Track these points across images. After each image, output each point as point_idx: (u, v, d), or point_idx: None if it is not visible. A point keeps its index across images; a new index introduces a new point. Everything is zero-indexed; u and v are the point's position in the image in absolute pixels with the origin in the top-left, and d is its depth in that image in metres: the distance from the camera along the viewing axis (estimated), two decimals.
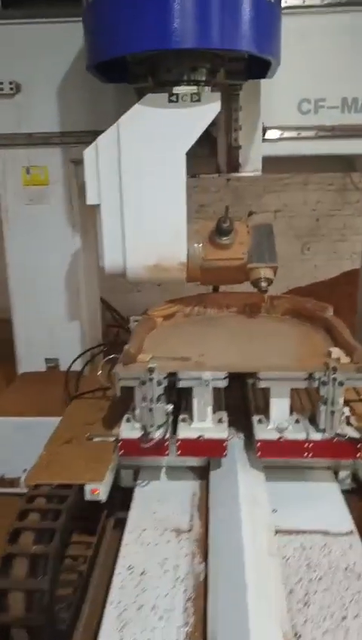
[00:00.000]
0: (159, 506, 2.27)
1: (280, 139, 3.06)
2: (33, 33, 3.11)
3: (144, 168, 2.52)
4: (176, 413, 2.39)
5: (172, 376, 2.20)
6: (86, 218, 3.40)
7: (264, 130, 3.02)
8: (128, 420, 2.32)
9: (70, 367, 3.32)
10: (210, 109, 2.47)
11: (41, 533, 1.89)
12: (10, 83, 3.16)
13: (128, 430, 2.27)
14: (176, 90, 2.44)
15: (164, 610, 1.76)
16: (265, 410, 2.33)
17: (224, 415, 2.35)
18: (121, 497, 2.42)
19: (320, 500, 2.29)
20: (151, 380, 2.15)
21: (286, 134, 3.05)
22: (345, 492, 2.38)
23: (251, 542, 1.94)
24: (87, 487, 2.12)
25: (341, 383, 2.15)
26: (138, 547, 2.05)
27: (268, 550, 1.96)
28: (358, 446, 2.20)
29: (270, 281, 2.67)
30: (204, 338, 2.63)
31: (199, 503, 2.30)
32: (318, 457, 2.25)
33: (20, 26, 3.11)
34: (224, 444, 2.23)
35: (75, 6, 2.45)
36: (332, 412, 2.17)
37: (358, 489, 2.45)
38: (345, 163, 3.63)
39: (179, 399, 2.49)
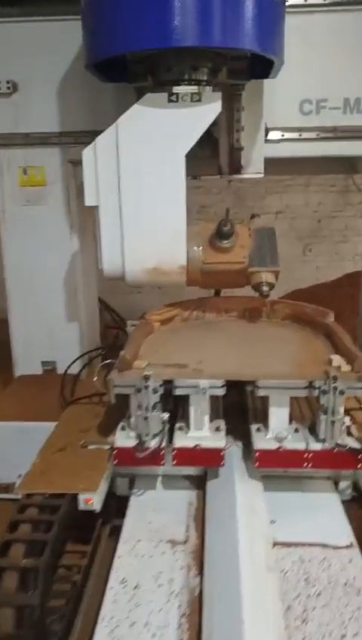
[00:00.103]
0: (154, 515, 2.22)
1: (281, 140, 3.01)
2: (31, 31, 3.06)
3: (143, 169, 2.48)
4: (172, 420, 2.34)
5: (168, 384, 2.15)
6: (84, 219, 3.37)
7: (266, 131, 2.97)
8: (123, 428, 2.26)
9: (66, 371, 3.27)
10: (211, 109, 2.42)
11: (33, 545, 1.84)
12: (7, 82, 3.12)
13: (123, 439, 2.21)
14: (176, 89, 2.39)
15: (158, 626, 1.71)
16: (264, 418, 2.28)
17: (221, 423, 2.30)
18: (117, 505, 2.37)
19: (320, 511, 2.24)
20: (146, 387, 2.10)
21: (288, 135, 3.01)
22: (344, 501, 2.33)
23: (248, 555, 1.89)
24: (81, 497, 2.08)
25: (341, 392, 2.09)
26: (132, 559, 2.00)
27: (266, 563, 1.91)
28: (359, 457, 2.15)
29: (271, 286, 2.62)
30: (202, 343, 2.57)
31: (196, 513, 2.25)
32: (318, 468, 2.20)
33: (18, 24, 3.06)
34: (221, 454, 2.18)
35: (73, 4, 2.42)
36: (333, 422, 2.11)
37: (359, 497, 2.40)
38: (347, 164, 3.57)
39: (176, 406, 2.44)
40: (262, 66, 2.50)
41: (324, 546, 2.06)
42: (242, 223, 2.76)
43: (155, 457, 2.15)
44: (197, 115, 2.41)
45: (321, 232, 5.79)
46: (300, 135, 3.00)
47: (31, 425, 2.98)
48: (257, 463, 2.18)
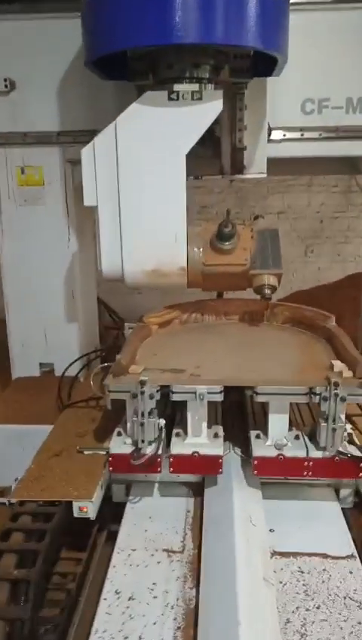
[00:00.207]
0: (151, 523, 2.18)
1: (282, 140, 2.96)
2: (29, 29, 3.02)
3: (143, 169, 2.44)
4: (171, 425, 2.29)
5: (165, 389, 2.10)
6: (83, 219, 3.33)
7: (269, 131, 2.93)
8: (119, 434, 2.22)
9: (64, 373, 3.22)
10: (212, 107, 2.37)
11: (25, 555, 1.80)
12: (5, 80, 3.07)
13: (118, 445, 2.17)
14: (177, 87, 2.35)
15: None
16: (263, 423, 2.23)
17: (220, 429, 2.25)
18: (113, 510, 2.33)
19: (320, 520, 2.20)
20: (142, 393, 2.05)
21: (289, 135, 2.96)
22: (346, 509, 2.29)
23: (245, 565, 1.84)
24: (76, 505, 2.03)
25: (343, 399, 2.04)
26: (127, 569, 1.96)
27: (264, 575, 1.86)
28: (361, 465, 2.10)
29: (274, 289, 2.57)
30: (200, 347, 2.53)
31: (193, 520, 2.21)
32: (318, 477, 2.16)
33: (15, 22, 3.02)
34: (219, 461, 2.13)
35: (73, 1, 2.37)
36: (334, 429, 2.06)
37: (360, 504, 2.35)
38: (350, 165, 3.52)
39: (174, 411, 2.40)
40: (265, 64, 2.46)
41: (324, 556, 2.02)
42: (244, 224, 2.71)
43: (151, 465, 2.10)
44: (197, 113, 2.37)
45: (323, 233, 5.73)
46: (302, 135, 2.96)
47: (28, 428, 2.94)
48: (256, 471, 2.13)
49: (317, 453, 2.11)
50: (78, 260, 3.38)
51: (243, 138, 2.82)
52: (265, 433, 2.19)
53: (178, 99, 2.35)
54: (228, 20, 2.08)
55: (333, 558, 2.00)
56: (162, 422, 2.12)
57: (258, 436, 2.20)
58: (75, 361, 3.31)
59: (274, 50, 2.27)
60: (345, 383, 2.06)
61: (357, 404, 2.50)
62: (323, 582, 1.91)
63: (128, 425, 2.15)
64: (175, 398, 2.11)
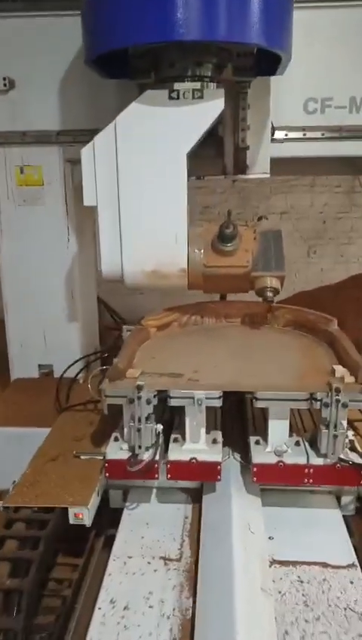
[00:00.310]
0: (147, 530, 2.14)
1: (285, 139, 2.93)
2: (28, 27, 2.99)
3: (142, 169, 2.42)
4: (169, 430, 2.25)
5: (162, 394, 2.06)
6: (82, 220, 3.31)
7: (273, 131, 2.89)
8: (116, 439, 2.18)
9: (62, 375, 3.18)
10: (214, 106, 2.34)
11: (18, 563, 1.76)
12: (4, 79, 3.04)
13: (115, 451, 2.13)
14: (177, 86, 2.31)
15: None
16: (263, 429, 2.19)
17: (219, 435, 2.21)
18: (111, 515, 2.29)
19: (320, 528, 2.15)
20: (139, 398, 2.01)
21: (291, 135, 2.92)
22: (347, 516, 2.25)
23: (243, 575, 1.80)
24: (71, 511, 2.00)
25: (344, 405, 2.00)
26: (122, 577, 1.92)
27: (262, 584, 1.82)
28: None
29: (276, 291, 2.53)
30: (199, 351, 2.49)
31: (191, 527, 2.17)
32: (319, 484, 2.11)
33: (15, 20, 2.99)
34: (218, 468, 2.09)
35: None
36: (335, 436, 2.01)
37: (361, 508, 2.31)
38: (354, 165, 3.47)
39: (173, 415, 2.36)
40: (268, 62, 2.42)
41: (324, 565, 1.97)
42: (247, 225, 2.67)
43: (149, 471, 2.07)
44: (198, 112, 2.34)
45: (326, 234, 5.68)
46: (304, 135, 2.92)
47: (26, 430, 2.90)
48: (255, 478, 2.09)
49: (317, 461, 2.07)
50: (78, 260, 3.35)
51: (246, 138, 2.79)
52: (265, 439, 2.15)
53: (178, 98, 2.33)
54: (231, 17, 2.04)
55: (334, 567, 1.96)
56: (159, 427, 2.08)
57: (257, 442, 2.16)
58: (74, 362, 3.28)
59: (278, 47, 2.23)
60: (347, 389, 2.01)
61: (360, 409, 2.44)
62: (323, 592, 1.86)
63: (125, 430, 2.12)
64: (172, 403, 2.07)
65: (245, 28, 2.07)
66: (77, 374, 3.19)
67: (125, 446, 2.12)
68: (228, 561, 1.84)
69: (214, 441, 2.17)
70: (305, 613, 1.78)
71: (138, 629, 1.70)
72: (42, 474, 2.20)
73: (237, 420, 2.53)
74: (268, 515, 2.14)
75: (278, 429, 2.12)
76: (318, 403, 2.02)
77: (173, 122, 2.34)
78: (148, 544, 2.07)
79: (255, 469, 2.08)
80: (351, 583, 1.90)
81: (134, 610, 1.78)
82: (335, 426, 2.01)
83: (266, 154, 2.88)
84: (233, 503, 2.10)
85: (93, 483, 2.12)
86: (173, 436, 2.20)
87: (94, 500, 2.07)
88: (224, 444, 2.24)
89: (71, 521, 2.01)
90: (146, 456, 2.05)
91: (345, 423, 2.04)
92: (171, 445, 2.16)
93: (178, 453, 2.12)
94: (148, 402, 2.02)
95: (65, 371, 3.19)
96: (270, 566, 1.95)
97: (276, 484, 2.17)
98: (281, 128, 2.91)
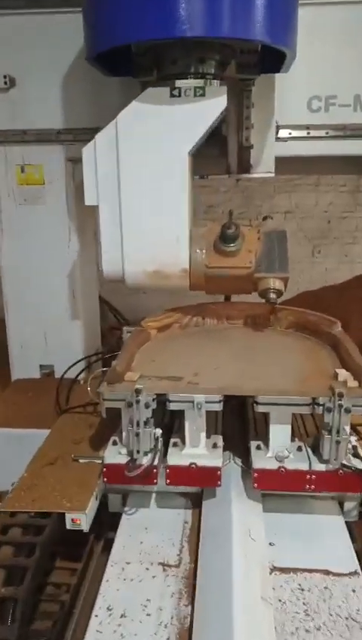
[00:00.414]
0: (146, 535, 2.11)
1: (288, 138, 2.89)
2: (29, 24, 2.96)
3: (144, 168, 2.39)
4: (168, 434, 2.22)
5: (161, 398, 2.02)
6: (84, 218, 3.29)
7: (277, 129, 2.86)
8: (115, 443, 2.14)
9: (63, 376, 3.16)
10: (216, 104, 2.30)
11: (14, 570, 1.74)
12: (5, 77, 3.02)
13: (113, 455, 2.09)
14: (179, 83, 2.28)
15: None
16: (264, 433, 2.15)
17: (219, 439, 2.17)
18: (111, 519, 2.26)
19: (323, 534, 2.11)
20: (138, 402, 1.97)
21: (295, 133, 2.88)
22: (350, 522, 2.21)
23: (242, 583, 1.76)
24: (68, 516, 1.97)
25: (347, 410, 1.95)
26: (120, 584, 1.89)
27: (261, 592, 1.78)
28: None
29: (280, 293, 2.48)
30: (200, 353, 2.45)
31: (190, 532, 2.13)
32: (321, 490, 2.07)
33: (15, 17, 2.96)
34: (218, 473, 2.05)
35: None
36: (338, 442, 1.97)
37: None
38: (358, 164, 3.42)
39: (173, 419, 2.32)
40: (273, 60, 2.39)
41: (326, 572, 1.93)
42: (251, 226, 2.63)
43: (147, 476, 2.03)
44: (200, 110, 2.30)
45: (331, 233, 5.64)
46: (308, 133, 2.88)
47: (26, 432, 2.88)
48: (256, 484, 2.05)
49: (320, 466, 2.02)
50: (79, 259, 3.32)
51: (250, 137, 2.76)
52: (266, 444, 2.11)
53: (180, 95, 2.30)
54: (234, 13, 2.00)
55: (335, 574, 1.92)
56: (158, 432, 2.04)
57: (258, 447, 2.12)
58: (75, 363, 3.24)
59: (283, 44, 2.19)
60: (350, 394, 1.97)
61: None
62: (324, 601, 1.82)
63: (123, 434, 2.08)
64: (172, 407, 2.04)
65: (249, 24, 2.04)
66: (77, 375, 3.16)
67: (124, 450, 2.09)
68: (228, 568, 1.81)
69: (214, 446, 2.14)
70: (306, 623, 1.74)
71: (135, 638, 1.67)
72: (40, 477, 2.18)
73: (239, 422, 2.49)
74: (269, 521, 2.11)
75: (280, 433, 2.08)
76: (321, 408, 1.98)
77: (175, 120, 2.31)
78: (147, 550, 2.03)
79: (256, 475, 2.04)
80: (353, 591, 1.86)
81: (131, 618, 1.75)
82: (338, 432, 1.97)
83: (270, 153, 2.85)
84: (233, 509, 2.06)
85: (91, 487, 2.09)
86: (172, 440, 2.16)
87: (92, 505, 2.04)
88: (225, 448, 2.20)
89: (68, 527, 1.98)
90: (145, 461, 2.01)
91: (348, 428, 2.00)
92: (170, 450, 2.12)
93: (177, 458, 2.08)
94: (147, 406, 1.98)
95: (65, 372, 3.16)
96: (270, 573, 1.92)
97: (277, 490, 2.13)
98: (285, 127, 2.87)
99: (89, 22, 2.26)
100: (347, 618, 1.75)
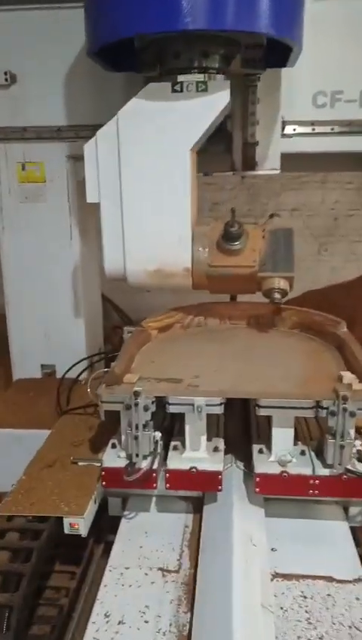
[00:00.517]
0: (146, 539, 2.07)
1: (292, 134, 2.84)
2: (30, 20, 2.92)
3: (145, 165, 2.35)
4: (169, 436, 2.17)
5: (161, 400, 1.98)
6: (86, 216, 3.25)
7: (283, 125, 2.80)
8: (114, 446, 2.10)
9: (63, 377, 3.13)
10: (219, 99, 2.26)
11: (9, 576, 1.70)
12: (5, 73, 2.99)
13: (112, 458, 2.05)
14: (181, 78, 2.23)
15: None
16: (267, 438, 2.10)
17: (220, 443, 2.12)
18: (110, 521, 2.22)
19: (326, 540, 2.06)
20: (136, 404, 1.93)
21: (300, 129, 2.83)
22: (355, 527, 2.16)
23: (242, 590, 1.71)
24: (66, 521, 1.94)
25: (352, 414, 1.90)
26: (118, 589, 1.85)
27: (262, 600, 1.74)
28: None
29: (284, 293, 2.42)
30: (201, 354, 2.40)
31: (191, 537, 2.09)
32: (325, 496, 2.02)
33: (16, 12, 2.93)
34: (219, 477, 2.01)
35: None
36: (342, 446, 1.92)
37: None
38: None
39: (173, 420, 2.28)
40: (278, 54, 2.33)
41: (329, 579, 1.89)
42: (256, 223, 2.58)
43: (146, 480, 1.99)
44: (203, 105, 2.25)
45: (338, 231, 5.57)
46: (313, 129, 2.83)
47: (27, 432, 2.87)
48: (258, 489, 2.00)
49: (323, 471, 1.97)
50: (81, 258, 3.29)
51: (255, 133, 2.72)
52: (269, 448, 2.06)
53: (182, 90, 2.25)
54: (238, 4, 1.95)
55: (339, 581, 1.87)
56: (158, 435, 2.00)
57: (261, 451, 2.07)
58: (77, 363, 3.21)
59: (289, 37, 2.13)
60: (355, 397, 1.92)
61: None
62: (327, 609, 1.78)
63: (122, 437, 2.04)
64: (171, 410, 1.99)
65: (253, 16, 1.98)
66: (78, 375, 3.13)
67: (123, 453, 2.04)
68: (228, 574, 1.76)
69: (215, 449, 2.09)
70: (308, 631, 1.69)
71: None
72: (38, 480, 2.15)
73: (241, 423, 2.45)
74: (272, 526, 2.06)
75: (282, 437, 2.03)
76: (324, 411, 1.93)
77: (177, 116, 2.26)
78: (147, 554, 2.00)
79: (258, 480, 1.99)
80: (357, 599, 1.81)
81: (129, 624, 1.71)
82: (342, 436, 1.92)
83: (276, 149, 2.81)
84: (234, 514, 2.02)
85: (90, 491, 2.06)
86: (172, 443, 2.11)
87: (91, 509, 2.00)
88: (227, 450, 2.16)
89: (66, 531, 1.95)
90: (144, 464, 1.97)
91: (352, 432, 1.95)
92: (170, 453, 2.08)
93: (177, 461, 2.04)
94: (146, 409, 1.94)
95: (66, 372, 3.13)
96: (272, 579, 1.87)
97: (280, 495, 2.08)
98: (289, 123, 2.82)
99: (90, 15, 2.22)
100: (350, 627, 1.71)
